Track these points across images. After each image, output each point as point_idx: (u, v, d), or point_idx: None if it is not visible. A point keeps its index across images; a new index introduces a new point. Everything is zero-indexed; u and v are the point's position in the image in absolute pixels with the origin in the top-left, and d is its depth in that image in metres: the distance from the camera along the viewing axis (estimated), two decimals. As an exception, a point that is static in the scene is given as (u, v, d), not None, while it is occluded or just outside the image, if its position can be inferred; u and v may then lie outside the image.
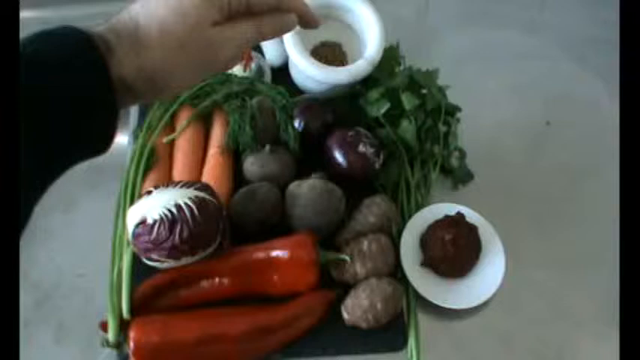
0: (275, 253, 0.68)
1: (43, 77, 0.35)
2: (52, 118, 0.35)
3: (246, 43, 0.43)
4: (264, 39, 0.45)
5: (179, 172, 0.77)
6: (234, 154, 0.79)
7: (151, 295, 0.67)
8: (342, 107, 0.82)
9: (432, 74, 0.81)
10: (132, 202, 0.71)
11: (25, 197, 0.35)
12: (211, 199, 0.67)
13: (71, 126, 0.36)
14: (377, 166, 0.74)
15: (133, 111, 0.85)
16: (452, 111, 0.82)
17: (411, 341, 0.68)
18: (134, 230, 0.65)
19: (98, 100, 0.37)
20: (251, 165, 0.76)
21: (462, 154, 0.82)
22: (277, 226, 0.72)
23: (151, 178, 0.76)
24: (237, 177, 0.77)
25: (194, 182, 0.69)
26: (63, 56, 0.35)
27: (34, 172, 0.35)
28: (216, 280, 0.68)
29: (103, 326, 0.65)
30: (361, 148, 0.74)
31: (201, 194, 0.66)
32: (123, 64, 0.38)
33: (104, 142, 0.39)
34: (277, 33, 0.45)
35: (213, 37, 0.41)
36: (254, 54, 0.88)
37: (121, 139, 0.82)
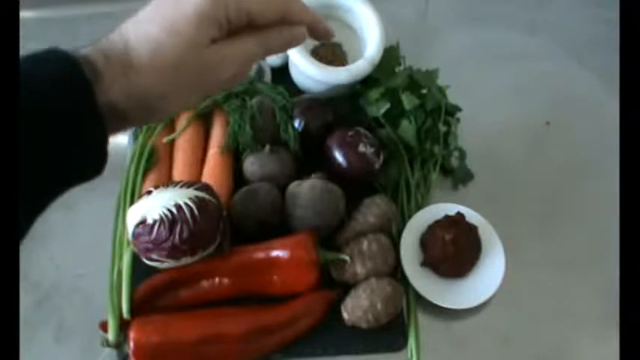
0: (275, 253, 0.68)
1: (26, 104, 0.33)
2: (36, 146, 0.33)
3: (248, 61, 0.40)
4: (270, 54, 0.42)
5: (179, 172, 0.77)
6: (234, 154, 0.79)
7: (151, 295, 0.67)
8: (342, 107, 0.82)
9: (432, 74, 0.81)
10: (132, 202, 0.71)
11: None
12: (211, 199, 0.67)
13: (57, 154, 0.34)
14: (377, 166, 0.74)
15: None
16: (452, 111, 0.82)
17: (411, 341, 0.68)
18: (134, 230, 0.65)
19: (84, 128, 0.35)
20: (251, 165, 0.76)
21: (462, 154, 0.82)
22: (277, 226, 0.72)
23: (151, 178, 0.76)
24: (237, 177, 0.77)
25: (194, 182, 0.69)
26: (47, 82, 0.33)
27: (23, 199, 0.33)
28: (216, 280, 0.68)
29: (103, 326, 0.65)
30: (361, 148, 0.74)
31: (201, 194, 0.66)
32: (111, 89, 0.35)
33: (94, 168, 0.37)
34: (284, 48, 0.42)
35: (210, 57, 0.38)
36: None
37: (121, 139, 0.82)
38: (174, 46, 0.36)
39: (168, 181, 0.74)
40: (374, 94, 0.78)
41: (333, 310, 0.68)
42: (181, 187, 0.67)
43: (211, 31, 0.37)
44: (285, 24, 0.41)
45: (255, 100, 0.79)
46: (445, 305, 0.69)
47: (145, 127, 0.79)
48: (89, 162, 0.37)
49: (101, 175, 0.38)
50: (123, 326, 0.65)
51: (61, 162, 0.35)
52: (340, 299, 0.68)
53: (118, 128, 0.37)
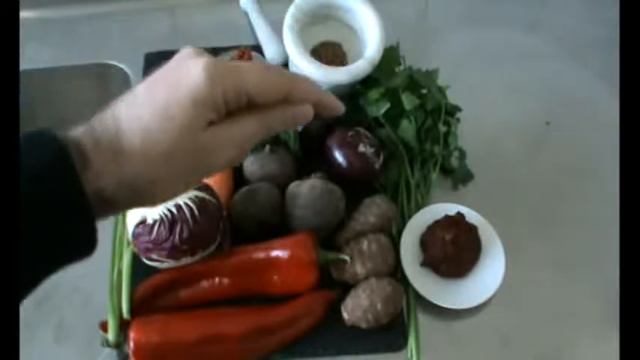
0: (275, 253, 0.68)
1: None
2: (24, 232, 0.32)
3: (248, 143, 0.38)
4: (271, 134, 0.39)
5: (179, 172, 0.77)
6: (234, 154, 0.79)
7: (151, 295, 0.67)
8: (342, 107, 0.81)
9: (432, 74, 0.81)
10: (132, 202, 0.71)
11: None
12: (211, 199, 0.67)
13: (44, 241, 0.33)
14: (377, 166, 0.74)
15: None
16: (452, 111, 0.82)
17: (411, 341, 0.68)
18: (134, 230, 0.65)
19: (71, 217, 0.33)
20: (251, 165, 0.76)
21: (462, 154, 0.82)
22: (277, 226, 0.72)
23: (151, 178, 0.75)
24: (237, 177, 0.77)
25: (194, 182, 0.69)
26: (35, 170, 0.32)
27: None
28: (216, 280, 0.68)
29: (103, 326, 0.65)
30: (361, 148, 0.74)
31: (201, 194, 0.66)
32: (100, 176, 0.34)
33: (84, 252, 0.36)
34: (288, 127, 0.39)
35: (206, 141, 0.35)
36: (254, 54, 0.88)
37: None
38: (168, 132, 0.34)
39: (168, 181, 0.73)
40: (374, 94, 0.78)
41: (333, 310, 0.68)
42: (181, 187, 0.67)
43: (208, 115, 0.35)
44: (288, 103, 0.38)
45: (255, 100, 0.79)
46: (445, 305, 0.69)
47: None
48: (78, 247, 0.35)
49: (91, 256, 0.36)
50: (123, 326, 0.65)
51: (48, 248, 0.34)
52: (340, 299, 0.68)
53: (107, 213, 0.36)
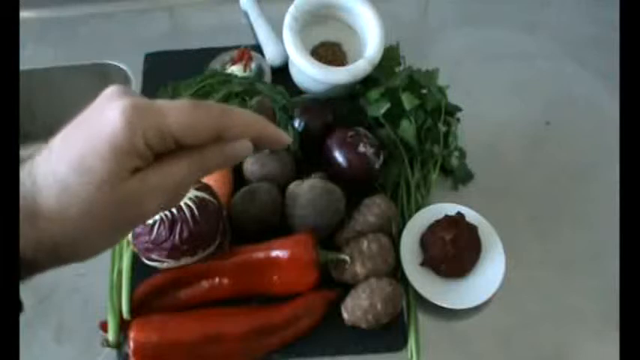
0: (275, 253, 0.68)
1: None
2: None
3: (182, 186, 0.34)
4: (209, 174, 0.36)
5: (179, 172, 0.77)
6: (234, 154, 0.79)
7: (151, 295, 0.67)
8: (342, 107, 0.82)
9: (432, 74, 0.81)
10: (132, 202, 0.71)
11: None
12: (211, 199, 0.67)
13: None
14: (377, 166, 0.74)
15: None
16: (452, 111, 0.82)
17: (411, 341, 0.68)
18: (134, 230, 0.65)
19: None
20: (251, 165, 0.76)
21: (462, 154, 0.82)
22: (277, 226, 0.72)
23: (151, 178, 0.75)
24: (237, 177, 0.77)
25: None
26: None
27: None
28: (216, 280, 0.68)
29: (103, 326, 0.65)
30: (361, 148, 0.74)
31: (201, 194, 0.66)
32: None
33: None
34: (226, 165, 0.35)
35: (131, 190, 0.32)
36: (254, 54, 0.89)
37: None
38: (86, 186, 0.31)
39: (168, 181, 0.73)
40: (374, 94, 0.78)
41: (333, 310, 0.68)
42: (181, 187, 0.67)
43: (130, 163, 0.31)
44: (223, 140, 0.34)
45: (255, 100, 0.79)
46: (445, 305, 0.69)
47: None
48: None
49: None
50: (123, 326, 0.65)
51: None
52: (340, 299, 0.68)
53: (30, 275, 0.34)
